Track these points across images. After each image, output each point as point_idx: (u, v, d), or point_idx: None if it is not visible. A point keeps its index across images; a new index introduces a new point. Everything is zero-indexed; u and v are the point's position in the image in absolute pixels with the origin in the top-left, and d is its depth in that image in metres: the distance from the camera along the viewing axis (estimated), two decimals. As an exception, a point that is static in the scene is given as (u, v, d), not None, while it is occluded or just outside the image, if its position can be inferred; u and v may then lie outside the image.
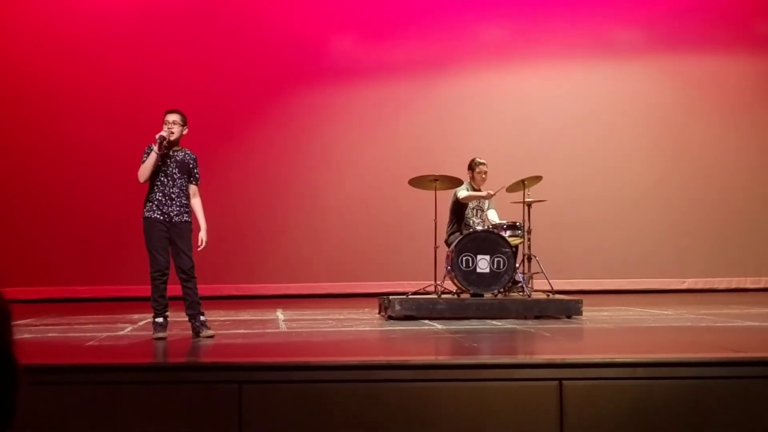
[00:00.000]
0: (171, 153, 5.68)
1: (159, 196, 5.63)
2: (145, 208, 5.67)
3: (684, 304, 8.73)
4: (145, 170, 5.62)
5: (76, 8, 10.87)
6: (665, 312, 7.81)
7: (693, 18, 11.54)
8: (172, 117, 5.71)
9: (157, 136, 5.61)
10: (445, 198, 7.96)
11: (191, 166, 5.75)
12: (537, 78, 11.43)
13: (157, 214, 5.62)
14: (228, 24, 11.05)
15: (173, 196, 5.65)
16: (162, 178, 5.64)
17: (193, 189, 5.79)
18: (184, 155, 5.74)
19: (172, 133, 5.65)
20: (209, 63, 10.93)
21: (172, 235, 5.62)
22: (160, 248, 5.60)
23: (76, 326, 6.84)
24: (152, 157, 5.60)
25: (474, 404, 3.91)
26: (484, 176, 8.01)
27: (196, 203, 5.79)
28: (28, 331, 6.25)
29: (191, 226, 5.73)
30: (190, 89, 10.46)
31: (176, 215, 5.64)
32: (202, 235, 5.75)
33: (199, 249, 5.73)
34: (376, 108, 11.27)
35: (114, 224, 10.53)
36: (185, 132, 5.76)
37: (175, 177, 5.67)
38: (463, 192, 7.88)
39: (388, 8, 11.39)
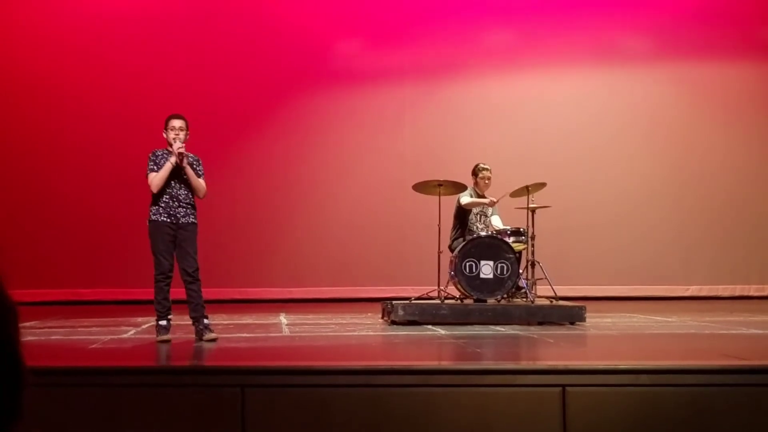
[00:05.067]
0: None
1: (166, 198, 5.65)
2: (150, 211, 5.68)
3: (688, 311, 8.71)
4: (160, 180, 5.63)
5: (83, 11, 10.90)
6: (669, 319, 7.79)
7: (698, 24, 11.53)
8: (179, 123, 5.72)
9: (176, 152, 5.59)
10: (449, 203, 7.96)
11: (194, 166, 5.78)
12: (542, 83, 11.43)
13: (164, 216, 5.63)
14: (232, 27, 11.07)
15: (180, 197, 5.67)
16: (168, 181, 5.67)
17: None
18: (188, 158, 5.76)
19: (179, 138, 5.66)
20: (214, 66, 10.94)
21: (179, 237, 5.64)
22: (165, 251, 5.62)
23: (79, 329, 6.85)
24: (167, 167, 5.62)
25: (477, 410, 3.91)
26: (487, 182, 8.00)
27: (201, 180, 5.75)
28: (31, 333, 6.26)
29: (197, 228, 5.75)
30: (195, 92, 10.47)
31: (183, 216, 5.66)
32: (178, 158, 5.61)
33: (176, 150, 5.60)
34: (380, 112, 11.27)
35: (118, 227, 10.55)
36: (187, 137, 5.79)
37: (183, 179, 5.69)
38: (465, 198, 7.88)
39: (393, 13, 11.40)
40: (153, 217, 5.66)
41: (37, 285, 9.83)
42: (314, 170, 11.12)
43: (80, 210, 10.64)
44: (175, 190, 5.66)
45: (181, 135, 5.69)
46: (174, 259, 5.67)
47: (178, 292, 5.71)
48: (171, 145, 5.67)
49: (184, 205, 5.68)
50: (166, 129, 5.73)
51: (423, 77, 11.32)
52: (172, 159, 5.62)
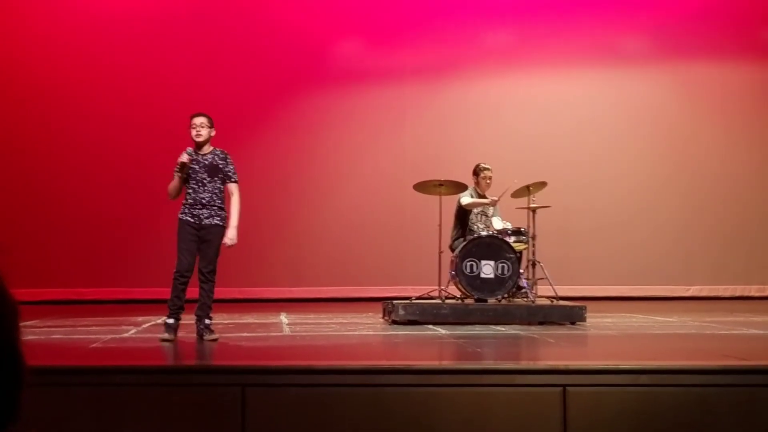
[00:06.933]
0: (200, 158, 5.72)
1: (190, 200, 5.71)
2: (180, 209, 5.74)
3: (688, 312, 8.71)
4: (171, 190, 5.74)
5: (85, 11, 10.90)
6: (669, 319, 7.79)
7: (699, 25, 11.51)
8: (199, 120, 5.78)
9: (177, 162, 5.67)
10: (450, 203, 7.95)
11: (221, 166, 5.76)
12: (543, 84, 11.42)
13: (188, 216, 5.69)
14: (232, 27, 11.05)
15: (204, 201, 5.69)
16: (193, 185, 5.71)
17: (230, 187, 5.79)
18: (213, 157, 5.76)
19: (200, 135, 5.72)
20: (214, 66, 10.93)
21: (201, 238, 5.67)
22: (186, 250, 5.65)
23: (80, 328, 6.85)
24: (174, 180, 5.71)
25: (477, 410, 3.91)
26: (488, 182, 7.99)
27: (234, 202, 5.77)
28: (32, 332, 6.25)
29: (223, 231, 5.72)
30: (194, 93, 10.45)
31: (206, 218, 5.68)
32: (230, 233, 5.70)
33: (227, 247, 5.71)
34: (381, 113, 11.27)
35: (119, 227, 10.55)
36: (213, 134, 5.81)
37: (205, 182, 5.70)
38: (466, 199, 7.87)
39: (394, 14, 11.39)
40: (180, 216, 5.72)
41: (37, 284, 9.82)
42: (315, 170, 11.12)
43: (81, 209, 10.63)
44: (198, 194, 5.69)
45: (203, 132, 5.72)
46: (195, 259, 5.67)
47: (190, 291, 5.72)
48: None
49: (208, 207, 5.69)
50: (190, 127, 5.78)
51: (424, 77, 11.31)
52: (177, 171, 5.68)
